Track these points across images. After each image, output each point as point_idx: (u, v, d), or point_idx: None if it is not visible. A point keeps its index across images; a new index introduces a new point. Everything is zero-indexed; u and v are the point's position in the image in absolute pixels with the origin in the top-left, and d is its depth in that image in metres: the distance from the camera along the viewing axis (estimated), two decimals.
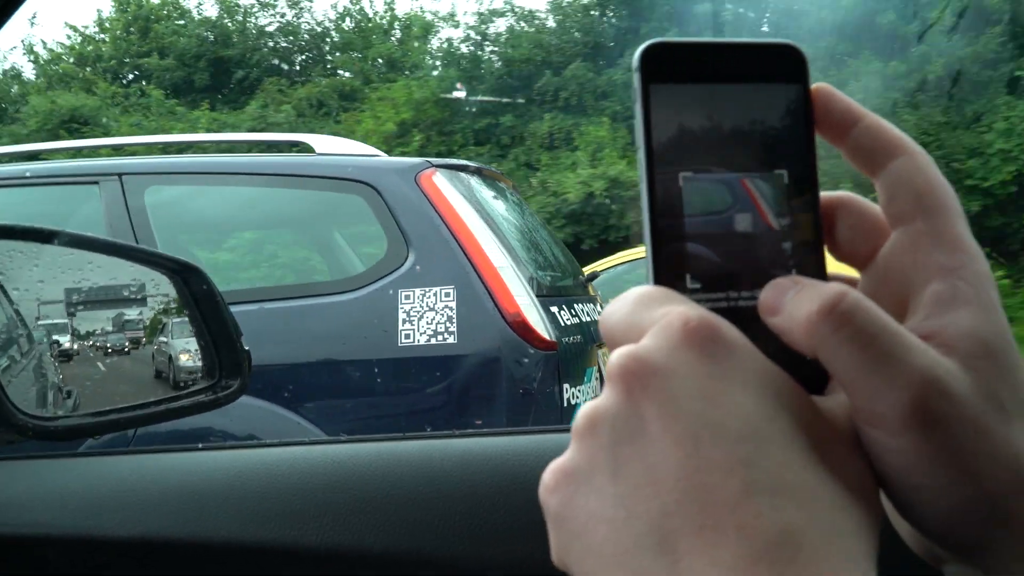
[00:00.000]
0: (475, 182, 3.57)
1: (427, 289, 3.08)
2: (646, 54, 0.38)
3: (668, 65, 0.38)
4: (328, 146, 3.51)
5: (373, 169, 3.31)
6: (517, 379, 3.06)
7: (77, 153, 4.07)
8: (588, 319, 3.53)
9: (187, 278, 1.01)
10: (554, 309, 3.25)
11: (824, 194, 0.40)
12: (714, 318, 0.35)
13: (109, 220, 3.34)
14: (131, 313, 1.12)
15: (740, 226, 0.38)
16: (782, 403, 0.35)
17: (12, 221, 0.94)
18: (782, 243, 0.39)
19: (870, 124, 0.39)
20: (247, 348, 1.00)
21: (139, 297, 1.10)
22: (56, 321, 1.06)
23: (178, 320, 1.10)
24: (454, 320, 3.05)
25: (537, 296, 3.18)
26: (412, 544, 0.83)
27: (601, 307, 3.83)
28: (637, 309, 0.37)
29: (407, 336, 3.06)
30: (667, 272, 0.38)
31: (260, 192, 3.47)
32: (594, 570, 0.34)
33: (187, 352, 1.09)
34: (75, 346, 1.06)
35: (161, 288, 1.06)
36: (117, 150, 4.12)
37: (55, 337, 1.05)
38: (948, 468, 0.35)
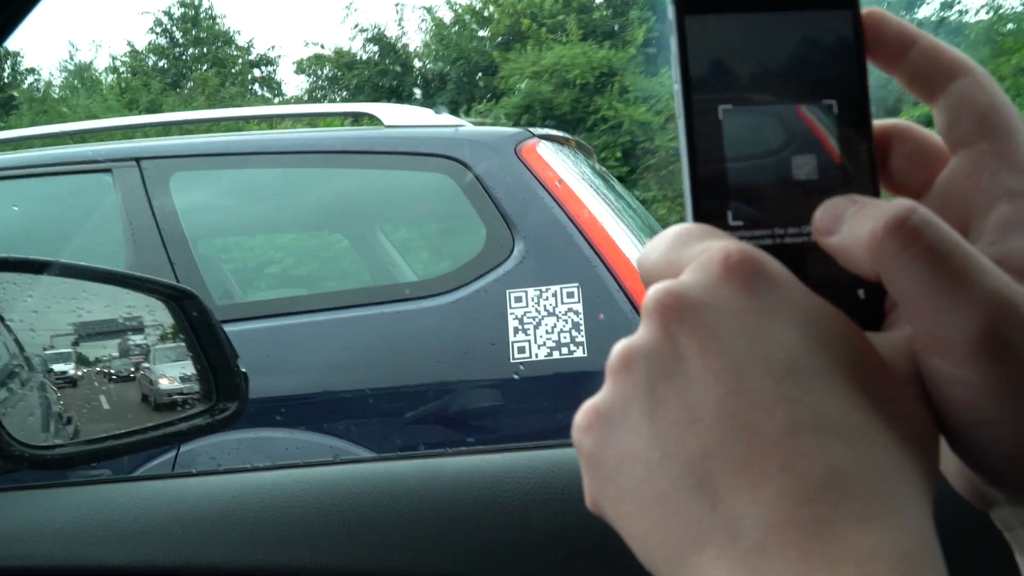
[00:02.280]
0: (574, 156, 2.88)
1: (544, 288, 2.38)
2: None
3: None
4: (401, 117, 2.80)
5: (460, 141, 2.61)
6: None
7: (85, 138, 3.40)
8: None
9: (182, 303, 1.02)
10: None
11: (877, 122, 0.38)
12: (756, 251, 0.34)
13: (127, 215, 2.65)
14: (136, 338, 1.15)
15: (784, 157, 0.37)
16: (830, 338, 0.33)
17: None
18: (833, 174, 0.37)
19: (927, 46, 0.38)
20: (244, 370, 1.00)
21: (136, 325, 1.14)
22: (60, 350, 1.11)
23: (160, 346, 1.14)
24: (582, 327, 2.34)
25: None
26: (405, 565, 0.83)
27: None
28: (675, 246, 0.35)
29: (521, 349, 2.35)
30: (707, 209, 0.37)
31: (316, 175, 2.77)
32: (630, 512, 0.33)
33: (165, 376, 1.15)
34: (79, 372, 1.11)
35: (156, 315, 1.08)
36: (134, 133, 3.46)
37: (57, 365, 1.10)
38: (1014, 401, 0.33)
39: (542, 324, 2.36)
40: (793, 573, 0.29)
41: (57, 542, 0.89)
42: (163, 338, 1.12)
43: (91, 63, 23.69)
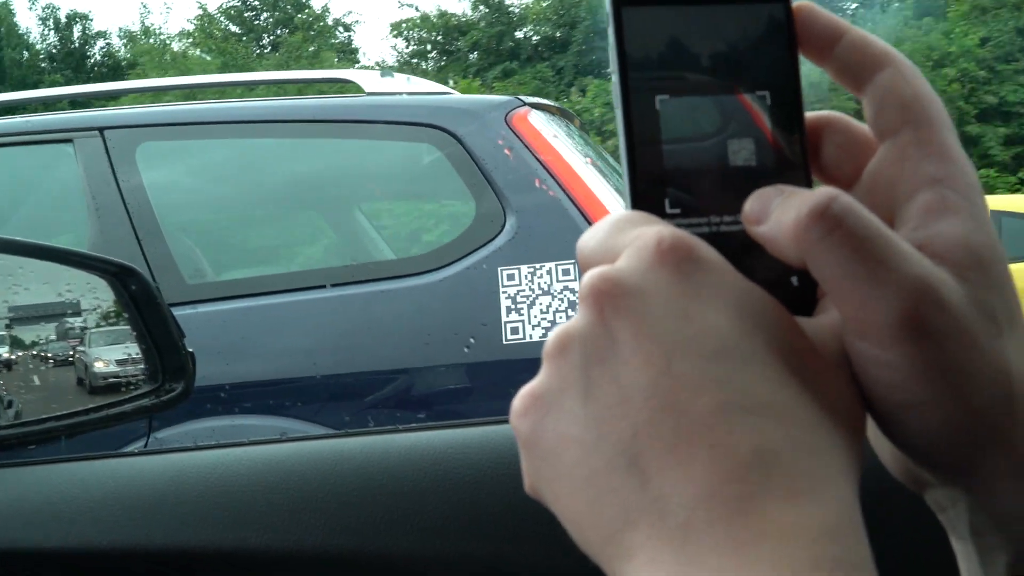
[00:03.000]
0: (566, 127, 2.74)
1: (537, 266, 2.25)
2: None
3: None
4: (381, 84, 2.64)
5: (448, 109, 2.47)
6: None
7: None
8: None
9: (124, 280, 1.00)
10: None
11: (809, 114, 0.39)
12: (689, 237, 0.34)
13: (91, 188, 2.48)
14: (74, 321, 1.13)
15: (717, 148, 0.37)
16: (760, 321, 0.34)
17: None
18: (766, 165, 0.37)
19: (854, 38, 0.38)
20: (191, 350, 0.98)
21: (76, 304, 1.12)
22: None
23: (96, 329, 1.14)
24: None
25: None
26: (353, 544, 0.81)
27: None
28: (612, 233, 0.36)
29: (514, 330, 2.22)
30: (645, 197, 0.37)
31: (294, 146, 2.60)
32: (565, 493, 0.34)
33: (101, 360, 1.13)
34: (14, 356, 1.10)
35: (98, 292, 1.05)
36: (104, 100, 3.26)
37: None
38: (938, 382, 0.34)
39: (536, 303, 2.23)
40: (719, 549, 0.30)
41: None
42: (105, 317, 1.10)
43: (160, 28, 23.41)
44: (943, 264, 0.34)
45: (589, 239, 0.36)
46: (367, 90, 2.62)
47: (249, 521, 0.83)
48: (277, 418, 2.23)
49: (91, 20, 24.52)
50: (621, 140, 0.37)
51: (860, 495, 0.32)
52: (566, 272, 2.25)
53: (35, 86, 21.15)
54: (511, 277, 2.26)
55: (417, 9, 21.80)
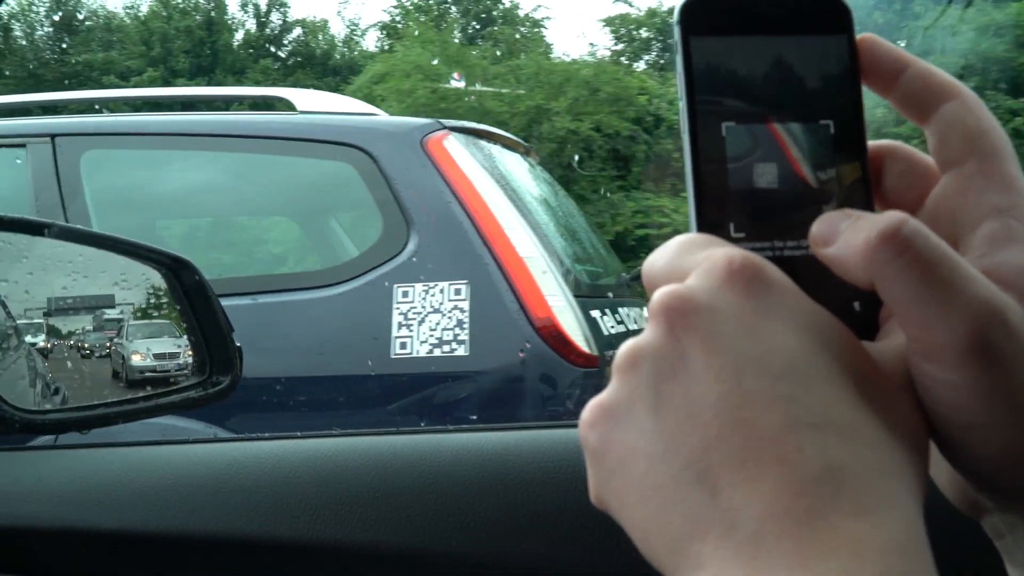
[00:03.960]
0: (497, 151, 2.83)
1: (432, 284, 2.34)
2: (686, 7, 0.38)
3: (708, 17, 0.38)
4: (313, 102, 2.77)
5: (367, 130, 2.57)
6: (546, 404, 2.31)
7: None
8: (635, 326, 2.77)
9: (178, 272, 1.00)
10: (595, 313, 2.50)
11: (871, 143, 0.40)
12: (758, 258, 0.35)
13: (36, 191, 2.63)
14: (111, 312, 1.12)
15: (783, 175, 0.38)
16: (828, 342, 0.34)
17: None
18: (830, 193, 0.39)
19: (919, 70, 0.39)
20: (239, 344, 0.98)
21: (129, 294, 1.11)
22: (35, 321, 1.09)
23: (134, 323, 1.12)
24: (466, 326, 2.30)
25: (575, 296, 2.42)
26: (401, 539, 0.82)
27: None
28: (680, 253, 0.37)
29: (403, 345, 2.32)
30: (710, 221, 0.38)
31: (225, 159, 2.74)
32: (632, 503, 0.34)
33: (138, 353, 1.11)
34: (49, 345, 1.08)
35: (152, 282, 1.05)
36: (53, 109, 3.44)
37: (30, 338, 1.08)
38: (1003, 405, 0.34)
39: (426, 320, 2.33)
40: (788, 562, 0.30)
41: (49, 504, 0.89)
42: (157, 308, 1.10)
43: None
44: (1009, 291, 0.35)
45: (657, 259, 0.37)
46: (299, 108, 2.75)
47: (299, 512, 0.84)
48: (181, 419, 2.35)
49: (288, 8, 24.53)
50: (688, 164, 0.38)
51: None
52: (457, 292, 2.34)
53: (242, 73, 21.57)
54: (405, 294, 2.35)
55: (631, 4, 21.28)
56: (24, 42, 23.50)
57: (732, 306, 0.34)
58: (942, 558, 0.32)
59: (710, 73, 0.38)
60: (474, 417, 2.31)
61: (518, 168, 2.95)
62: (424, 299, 2.34)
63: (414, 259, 2.38)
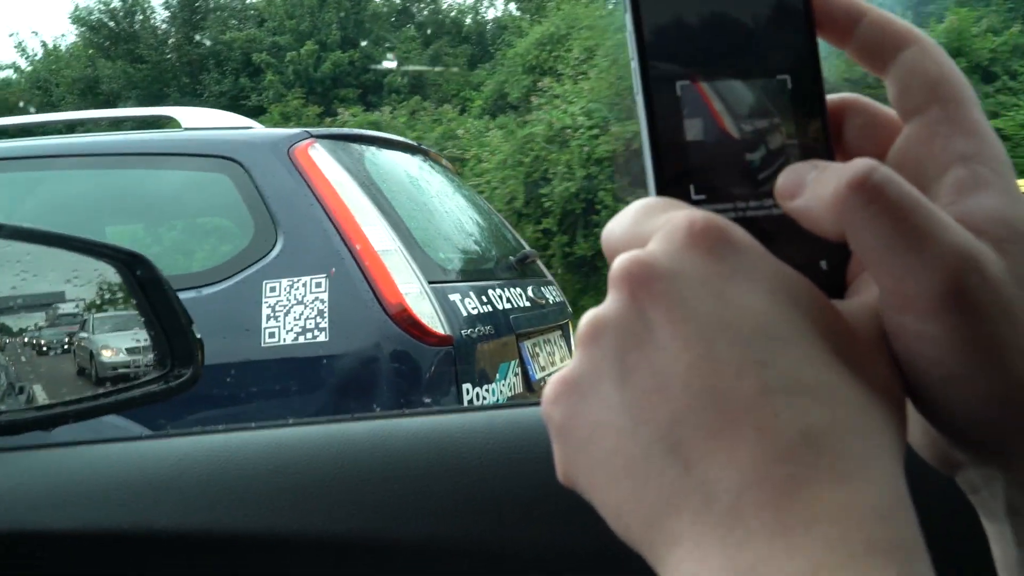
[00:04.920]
0: (371, 154, 3.12)
1: (295, 279, 2.63)
2: None
3: None
4: (198, 119, 3.05)
5: (240, 143, 2.86)
6: (401, 380, 2.61)
7: None
8: (509, 306, 3.06)
9: (132, 266, 0.98)
10: (455, 297, 2.79)
11: (830, 97, 0.38)
12: (721, 219, 0.33)
13: None
14: (66, 307, 1.09)
15: (740, 132, 0.37)
16: (797, 302, 0.33)
17: None
18: (790, 148, 0.37)
19: (875, 18, 0.38)
20: (199, 336, 0.98)
21: (83, 290, 1.09)
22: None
23: (99, 315, 1.09)
24: (325, 314, 2.59)
25: (441, 282, 2.72)
26: (359, 527, 0.81)
27: (538, 289, 3.38)
28: (640, 218, 0.35)
29: (271, 335, 2.61)
30: (669, 184, 0.37)
31: (114, 176, 3.02)
32: (603, 482, 0.33)
33: (109, 348, 1.08)
34: (23, 342, 1.06)
35: (105, 278, 1.03)
36: None
37: None
38: (979, 355, 0.33)
39: (291, 311, 2.62)
40: (768, 532, 0.29)
41: (1, 507, 0.87)
42: (113, 303, 1.07)
43: None
44: (982, 237, 0.34)
45: (615, 226, 0.36)
46: (184, 125, 3.03)
47: (254, 504, 0.83)
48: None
49: None
50: (643, 127, 0.37)
51: None
52: (318, 285, 2.63)
53: (384, 43, 21.28)
54: (273, 289, 2.64)
55: None
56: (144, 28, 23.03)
57: (696, 270, 0.32)
58: (919, 514, 0.31)
59: (662, 31, 0.37)
60: (428, 400, 2.58)
61: (392, 166, 3.24)
62: (289, 293, 2.63)
63: (280, 259, 2.67)
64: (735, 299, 0.32)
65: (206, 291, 2.69)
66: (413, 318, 2.60)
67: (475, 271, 3.18)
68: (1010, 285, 0.33)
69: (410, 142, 3.62)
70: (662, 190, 0.37)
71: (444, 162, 3.86)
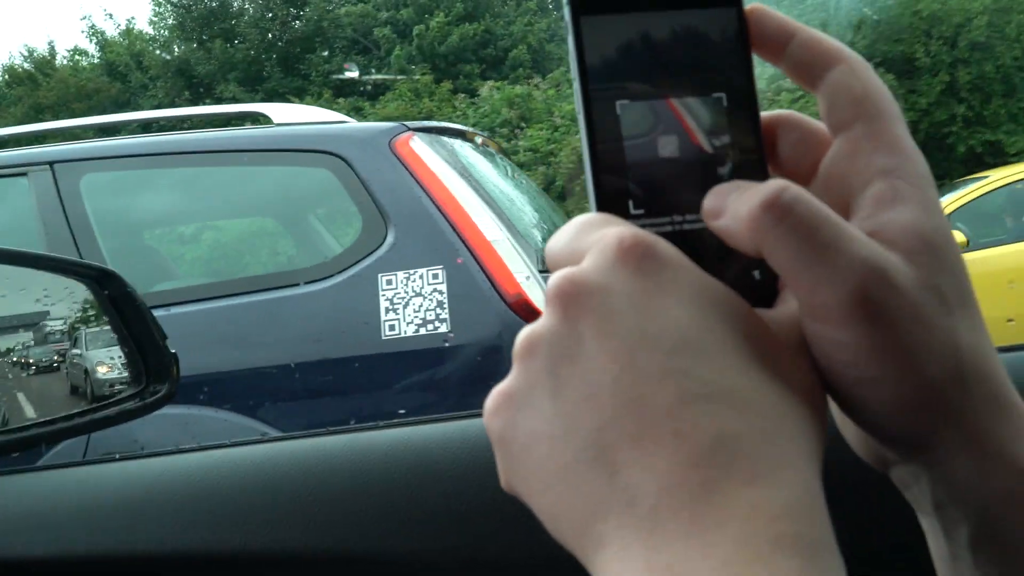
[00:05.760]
0: (459, 146, 3.12)
1: (411, 271, 2.64)
2: None
3: None
4: (288, 115, 3.04)
5: (339, 137, 2.85)
6: None
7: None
8: None
9: (104, 283, 0.97)
10: None
11: (764, 114, 0.40)
12: (649, 236, 0.35)
13: (42, 216, 2.89)
14: (54, 324, 1.08)
15: (679, 150, 0.38)
16: (719, 313, 0.34)
17: None
18: (723, 165, 0.38)
19: (805, 38, 0.39)
20: (174, 351, 0.96)
21: (55, 309, 1.07)
22: None
23: (92, 330, 1.07)
24: (445, 305, 2.60)
25: (540, 272, 2.73)
26: (338, 542, 0.80)
27: None
28: (577, 235, 0.37)
29: (391, 327, 2.62)
30: (609, 199, 0.38)
31: (214, 173, 3.01)
32: (538, 488, 0.34)
33: (104, 364, 1.04)
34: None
35: (76, 296, 1.02)
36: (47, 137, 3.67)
37: None
38: (891, 359, 0.35)
39: (410, 304, 2.63)
40: (684, 533, 0.31)
41: None
42: (85, 321, 1.07)
43: None
44: (894, 249, 0.36)
45: (555, 242, 0.38)
46: (275, 121, 3.02)
47: (232, 523, 0.82)
48: (195, 407, 2.64)
49: None
50: (584, 145, 0.38)
51: (832, 479, 0.34)
52: (435, 276, 2.64)
53: (503, 17, 20.51)
54: (389, 282, 2.65)
55: None
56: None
57: (624, 285, 0.34)
58: (860, 511, 0.32)
59: (602, 52, 0.38)
60: (402, 412, 2.57)
61: (479, 159, 3.24)
62: (407, 285, 2.64)
63: (394, 251, 2.67)
64: (659, 312, 0.34)
65: (318, 286, 2.69)
66: (531, 306, 2.61)
67: None
68: (918, 292, 0.35)
69: (479, 132, 3.63)
70: (602, 206, 0.38)
71: (503, 153, 3.87)
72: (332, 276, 2.69)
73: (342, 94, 18.40)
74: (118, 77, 21.70)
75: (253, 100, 19.77)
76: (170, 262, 3.45)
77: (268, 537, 0.81)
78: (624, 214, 0.38)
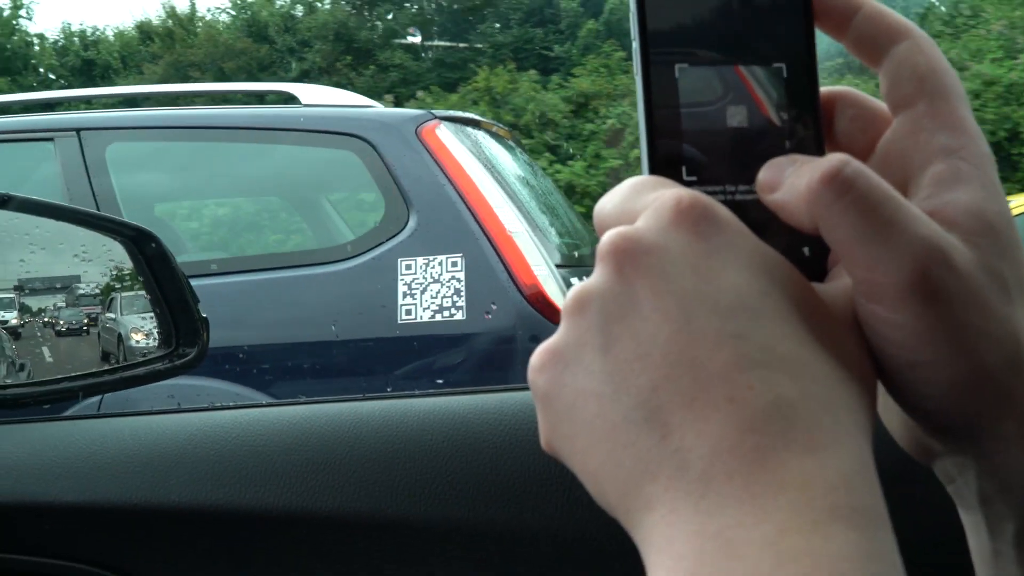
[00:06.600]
0: (482, 137, 3.15)
1: (431, 258, 2.67)
2: None
3: None
4: (317, 96, 3.07)
5: (368, 121, 2.88)
6: None
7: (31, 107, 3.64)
8: None
9: (140, 243, 0.97)
10: (574, 280, 2.83)
11: (823, 88, 0.39)
12: (707, 198, 0.34)
13: (67, 182, 2.92)
14: (86, 287, 1.08)
15: (736, 118, 0.38)
16: (776, 281, 0.34)
17: None
18: (781, 136, 0.38)
19: (871, 11, 0.39)
20: (205, 315, 0.96)
21: (81, 271, 1.07)
22: (2, 296, 1.05)
23: (127, 294, 1.06)
24: (463, 293, 2.63)
25: (560, 266, 2.76)
26: (371, 505, 0.81)
27: None
28: (631, 196, 0.36)
29: (408, 312, 2.65)
30: (662, 164, 0.38)
31: (240, 149, 3.04)
32: (583, 448, 0.34)
33: (139, 331, 1.03)
34: (22, 323, 1.05)
35: (114, 254, 1.01)
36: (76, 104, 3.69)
37: (1, 314, 1.05)
38: (948, 343, 0.34)
39: (428, 289, 2.66)
40: (738, 499, 0.30)
41: (7, 477, 0.87)
42: (120, 280, 1.06)
43: None
44: (954, 230, 0.35)
45: (607, 203, 0.37)
46: (304, 102, 3.05)
47: (266, 481, 0.83)
48: (211, 379, 2.67)
49: None
50: (640, 107, 0.38)
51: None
52: (454, 264, 2.67)
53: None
54: (408, 267, 2.68)
55: None
56: None
57: (680, 245, 0.33)
58: (896, 503, 0.32)
59: (663, 15, 0.38)
60: (440, 381, 2.61)
61: (501, 152, 3.27)
62: (425, 271, 2.66)
63: (415, 236, 2.70)
64: (716, 275, 0.33)
65: (339, 267, 2.72)
66: (547, 299, 2.64)
67: (577, 256, 3.23)
68: (979, 276, 0.35)
69: (503, 126, 3.66)
70: (654, 169, 0.37)
71: (521, 147, 3.90)
72: (352, 258, 2.72)
73: (524, 67, 17.16)
74: (263, 39, 20.75)
75: (420, 69, 19.12)
76: (182, 236, 3.48)
77: (303, 496, 0.82)
78: (677, 179, 0.37)
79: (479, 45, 19.61)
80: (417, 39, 18.66)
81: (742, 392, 0.31)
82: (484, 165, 2.89)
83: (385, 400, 0.91)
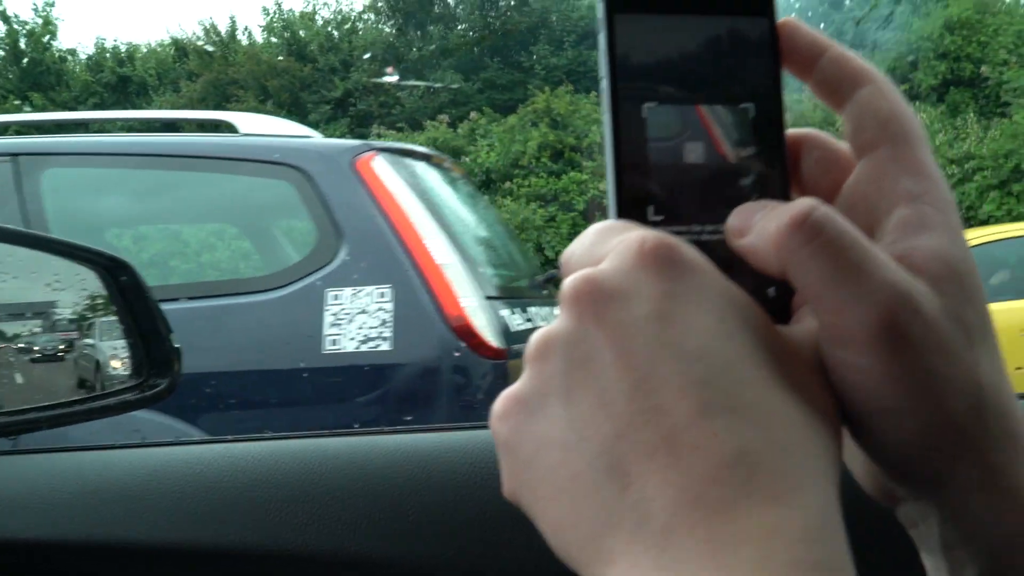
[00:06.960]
0: (422, 169, 3.17)
1: (359, 288, 2.67)
2: None
3: None
4: (254, 126, 3.09)
5: (304, 151, 2.90)
6: (459, 391, 2.65)
7: None
8: (543, 324, 3.12)
9: (115, 272, 0.97)
10: (505, 312, 2.84)
11: (789, 131, 0.39)
12: (672, 239, 0.34)
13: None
14: (62, 313, 1.07)
15: (703, 158, 0.37)
16: (742, 323, 0.33)
17: None
18: (747, 177, 0.38)
19: (835, 55, 0.39)
20: (178, 346, 0.96)
21: (63, 296, 1.06)
22: None
23: (105, 319, 1.05)
24: (389, 324, 2.63)
25: (489, 298, 2.77)
26: (333, 544, 0.80)
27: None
28: (597, 240, 0.36)
29: (333, 342, 2.64)
30: (629, 203, 0.37)
31: (175, 177, 3.05)
32: (544, 496, 0.33)
33: (118, 359, 1.01)
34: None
35: (87, 284, 1.01)
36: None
37: None
38: (913, 389, 0.34)
39: (354, 320, 2.66)
40: (699, 552, 0.29)
41: None
42: (93, 309, 1.06)
43: None
44: (920, 276, 0.35)
45: (575, 247, 0.36)
46: (242, 131, 3.06)
47: (229, 517, 0.82)
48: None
49: None
50: (607, 146, 0.37)
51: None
52: (382, 294, 2.67)
53: None
54: (336, 297, 2.68)
55: None
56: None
57: (644, 288, 0.33)
58: (859, 546, 0.31)
59: (632, 52, 0.37)
60: (409, 418, 2.60)
61: (439, 184, 3.29)
62: (352, 301, 2.67)
63: (344, 267, 2.71)
64: (680, 318, 0.32)
65: (266, 296, 2.71)
66: (473, 331, 2.65)
67: (513, 288, 3.24)
68: (944, 322, 0.34)
69: (444, 156, 3.68)
70: (622, 208, 0.37)
71: (466, 178, 3.92)
72: (281, 288, 2.72)
73: (579, 90, 16.94)
74: (303, 58, 20.72)
75: (470, 90, 19.15)
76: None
77: (265, 533, 0.81)
78: (643, 219, 0.37)
79: (466, 83, 19.63)
80: (395, 79, 18.77)
81: (705, 440, 0.31)
82: (419, 196, 2.90)
83: (351, 436, 0.91)
